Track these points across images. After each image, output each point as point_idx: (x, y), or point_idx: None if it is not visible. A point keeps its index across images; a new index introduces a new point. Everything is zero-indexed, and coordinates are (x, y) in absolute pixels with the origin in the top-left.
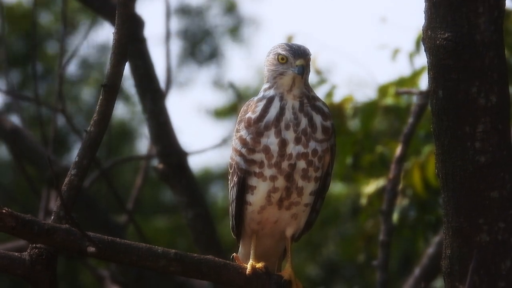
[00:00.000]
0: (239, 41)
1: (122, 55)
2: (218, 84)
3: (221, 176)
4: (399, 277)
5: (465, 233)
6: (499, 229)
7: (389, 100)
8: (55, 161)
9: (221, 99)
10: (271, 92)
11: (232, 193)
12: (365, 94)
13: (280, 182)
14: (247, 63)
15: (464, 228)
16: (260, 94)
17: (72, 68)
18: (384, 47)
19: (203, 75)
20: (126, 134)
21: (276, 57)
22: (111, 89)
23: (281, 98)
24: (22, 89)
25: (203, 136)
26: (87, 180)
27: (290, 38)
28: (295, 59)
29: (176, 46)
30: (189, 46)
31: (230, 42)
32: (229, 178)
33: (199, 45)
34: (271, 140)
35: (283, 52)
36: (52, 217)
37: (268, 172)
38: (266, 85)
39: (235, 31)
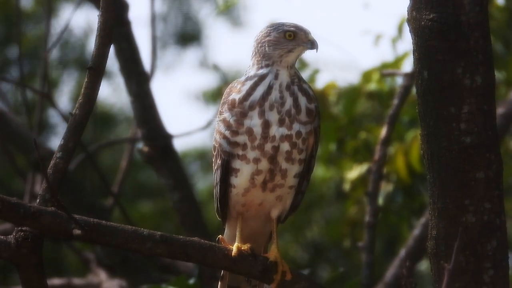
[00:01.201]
0: (227, 20)
1: (107, 38)
2: (203, 65)
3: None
4: (383, 260)
5: (451, 214)
6: (485, 209)
7: (372, 86)
8: (40, 144)
9: (208, 81)
10: (265, 70)
11: (216, 176)
12: (348, 79)
13: (264, 165)
14: (234, 44)
15: (450, 209)
16: (251, 73)
17: (54, 52)
18: (367, 33)
19: (188, 57)
20: (115, 119)
21: (284, 34)
22: (96, 72)
23: (276, 76)
24: (1, 72)
25: (191, 120)
26: (72, 163)
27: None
28: (306, 34)
29: (159, 28)
30: (172, 28)
31: (215, 23)
32: (213, 160)
33: (183, 27)
34: (254, 122)
35: (292, 29)
36: (38, 200)
37: (251, 154)
38: (258, 64)
39: (221, 12)
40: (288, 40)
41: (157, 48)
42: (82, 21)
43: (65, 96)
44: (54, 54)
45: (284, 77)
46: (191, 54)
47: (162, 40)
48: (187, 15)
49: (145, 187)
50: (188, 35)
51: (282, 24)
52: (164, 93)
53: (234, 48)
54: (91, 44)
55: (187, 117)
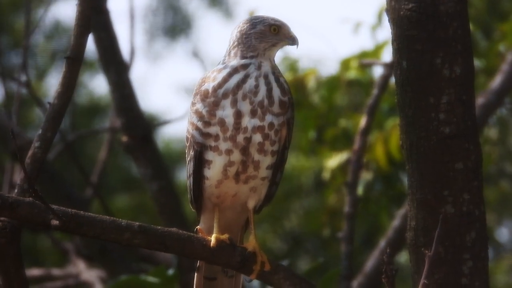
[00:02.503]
0: (217, 11)
1: (85, 27)
2: (193, 56)
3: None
4: (363, 251)
5: (430, 204)
6: (464, 200)
7: (352, 74)
8: (19, 134)
9: (197, 72)
10: (248, 61)
11: (189, 167)
12: (328, 68)
13: (236, 156)
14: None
15: (429, 200)
16: (232, 62)
17: (42, 44)
18: (346, 21)
19: (178, 49)
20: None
21: (269, 28)
22: (74, 61)
23: (259, 67)
24: None
25: (179, 112)
26: (52, 153)
27: (252, 13)
28: (289, 30)
29: (148, 20)
30: (161, 20)
31: (205, 14)
32: (186, 152)
33: (172, 19)
34: (226, 113)
35: (278, 23)
36: (16, 190)
37: (223, 145)
38: (242, 54)
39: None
40: (272, 34)
41: (134, 38)
42: (70, 12)
43: (53, 88)
44: (42, 45)
45: (266, 68)
46: (181, 46)
47: (151, 31)
48: (176, 7)
49: (129, 175)
50: (177, 27)
51: (267, 18)
52: (153, 84)
53: (225, 39)
54: None
55: (176, 108)
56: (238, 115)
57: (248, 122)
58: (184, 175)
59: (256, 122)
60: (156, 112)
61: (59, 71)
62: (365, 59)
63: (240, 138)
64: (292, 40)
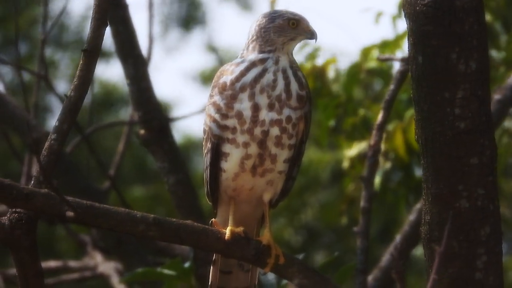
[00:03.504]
0: (233, 3)
1: (102, 20)
2: (209, 48)
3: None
4: (380, 244)
5: (445, 199)
6: (478, 195)
7: (372, 64)
8: (36, 127)
9: (212, 63)
10: (266, 55)
11: (206, 160)
12: (348, 57)
13: (253, 149)
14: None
15: (444, 194)
16: (251, 56)
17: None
18: (367, 11)
19: (192, 40)
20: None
21: (288, 22)
22: (91, 54)
23: (277, 61)
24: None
25: (192, 102)
26: (69, 145)
27: (273, 3)
28: (308, 24)
29: (163, 11)
30: (176, 11)
31: (220, 6)
32: (203, 144)
33: (187, 10)
34: (244, 106)
35: (297, 17)
36: (32, 182)
37: (240, 138)
38: (261, 49)
39: None
40: (291, 28)
41: (153, 32)
42: (80, 2)
43: (64, 78)
44: (52, 35)
45: (284, 63)
46: (195, 37)
47: (165, 22)
48: None
49: (146, 168)
50: (192, 18)
51: (286, 12)
52: (168, 75)
53: (241, 31)
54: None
55: (191, 98)
56: (256, 108)
57: (265, 115)
58: (199, 166)
59: (273, 115)
60: (170, 102)
61: (70, 61)
62: (386, 49)
63: (258, 131)
64: (311, 34)
